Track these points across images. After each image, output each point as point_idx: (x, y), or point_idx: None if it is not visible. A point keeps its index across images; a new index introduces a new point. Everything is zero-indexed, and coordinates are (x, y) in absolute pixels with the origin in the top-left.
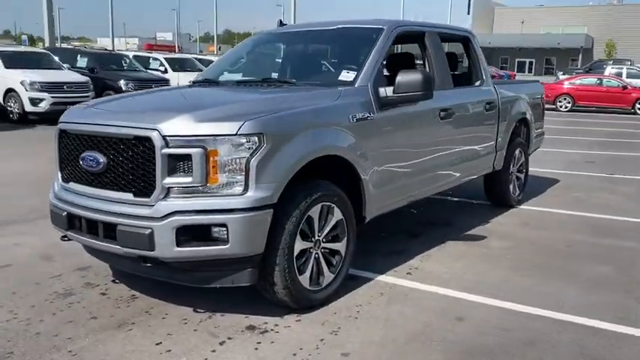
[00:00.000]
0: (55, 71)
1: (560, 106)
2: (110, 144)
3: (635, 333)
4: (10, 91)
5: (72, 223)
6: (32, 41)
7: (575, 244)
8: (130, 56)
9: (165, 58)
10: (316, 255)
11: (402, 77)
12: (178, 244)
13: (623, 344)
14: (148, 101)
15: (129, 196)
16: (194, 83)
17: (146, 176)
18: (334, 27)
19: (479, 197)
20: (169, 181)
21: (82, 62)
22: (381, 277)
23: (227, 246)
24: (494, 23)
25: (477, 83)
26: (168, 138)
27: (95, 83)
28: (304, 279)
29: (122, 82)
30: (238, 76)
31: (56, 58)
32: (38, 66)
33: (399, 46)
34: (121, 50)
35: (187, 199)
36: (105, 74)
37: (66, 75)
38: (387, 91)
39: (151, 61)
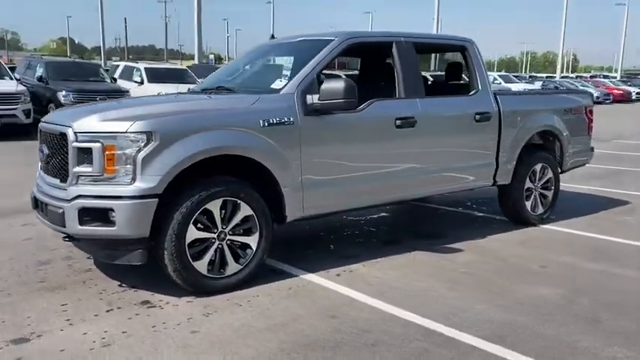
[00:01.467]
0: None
1: None
2: (50, 138)
3: (488, 349)
4: None
5: (36, 203)
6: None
7: (552, 265)
8: None
9: None
10: (219, 245)
11: (325, 85)
12: (81, 223)
13: (466, 357)
14: (94, 105)
15: (57, 181)
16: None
17: (65, 165)
18: (297, 39)
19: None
20: (78, 169)
21: None
22: (307, 276)
23: (114, 228)
24: None
25: (472, 93)
26: (77, 134)
27: None
28: (201, 265)
29: None
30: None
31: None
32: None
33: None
34: None
35: (90, 186)
36: None
37: None
38: (313, 99)
39: None
